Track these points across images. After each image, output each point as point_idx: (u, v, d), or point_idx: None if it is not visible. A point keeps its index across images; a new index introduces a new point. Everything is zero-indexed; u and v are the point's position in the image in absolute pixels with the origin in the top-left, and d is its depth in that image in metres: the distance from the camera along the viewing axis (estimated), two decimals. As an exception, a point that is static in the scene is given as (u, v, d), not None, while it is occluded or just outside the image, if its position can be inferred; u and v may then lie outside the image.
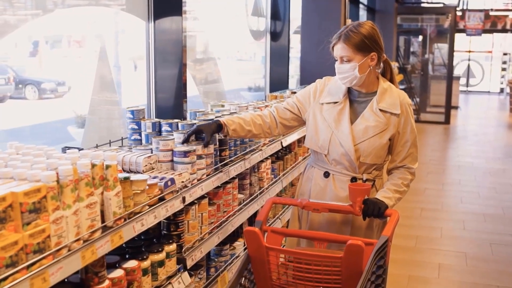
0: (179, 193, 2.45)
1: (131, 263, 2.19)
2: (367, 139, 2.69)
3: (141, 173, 2.42)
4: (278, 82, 6.42)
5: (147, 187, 2.21)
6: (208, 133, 2.70)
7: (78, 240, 1.80)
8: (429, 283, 4.72)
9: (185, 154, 2.60)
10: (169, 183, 2.38)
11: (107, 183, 1.97)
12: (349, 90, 2.81)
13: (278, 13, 6.39)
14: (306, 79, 7.18)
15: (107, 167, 1.97)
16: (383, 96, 2.74)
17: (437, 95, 15.23)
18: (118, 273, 2.10)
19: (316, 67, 7.02)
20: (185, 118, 3.72)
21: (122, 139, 3.08)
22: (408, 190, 2.83)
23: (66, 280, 1.98)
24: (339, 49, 2.68)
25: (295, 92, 5.17)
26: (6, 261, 1.51)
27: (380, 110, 2.71)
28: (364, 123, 2.71)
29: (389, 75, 2.87)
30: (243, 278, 2.58)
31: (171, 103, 3.84)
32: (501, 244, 5.61)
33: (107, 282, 2.01)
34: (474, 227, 6.17)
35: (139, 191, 2.16)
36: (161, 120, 3.02)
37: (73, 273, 1.77)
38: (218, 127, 2.77)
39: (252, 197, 3.49)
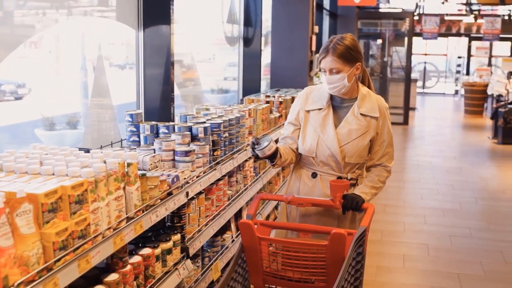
0: (183, 189, 2.74)
1: (146, 250, 2.47)
2: (351, 141, 2.98)
3: (148, 171, 2.69)
4: (250, 86, 6.72)
5: (159, 183, 2.50)
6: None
7: (109, 228, 2.08)
8: (395, 272, 5.10)
9: (186, 153, 2.88)
10: (175, 179, 2.67)
11: (129, 179, 2.25)
12: (332, 97, 3.09)
13: (250, 20, 6.69)
14: (276, 83, 7.52)
15: (129, 164, 2.25)
16: (363, 101, 3.03)
17: (395, 97, 15.78)
18: (136, 259, 2.38)
19: (286, 71, 7.38)
20: (173, 121, 3.99)
21: (121, 140, 3.33)
22: (384, 186, 3.16)
23: (91, 265, 2.24)
24: (329, 62, 2.91)
25: (268, 96, 5.49)
26: (59, 244, 1.77)
27: (361, 114, 3.01)
28: (348, 127, 3.00)
29: (367, 82, 3.17)
30: (237, 266, 2.86)
31: (160, 107, 4.10)
32: (459, 236, 6.05)
33: (129, 267, 2.29)
34: (434, 221, 6.61)
35: (153, 186, 2.44)
36: (158, 123, 3.29)
37: (106, 257, 2.04)
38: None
39: (239, 193, 3.79)
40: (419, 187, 8.24)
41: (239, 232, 3.81)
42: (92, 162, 2.10)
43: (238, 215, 3.90)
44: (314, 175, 3.07)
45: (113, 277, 2.18)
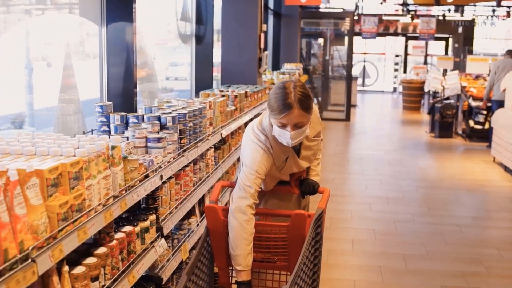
0: (157, 172, 2.95)
1: (128, 228, 2.67)
2: (314, 159, 3.17)
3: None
4: (203, 83, 6.93)
5: (138, 165, 2.70)
6: None
7: (99, 204, 2.27)
8: (346, 254, 5.44)
9: (159, 140, 3.09)
10: (150, 163, 2.88)
11: (114, 161, 2.45)
12: None
13: (202, 18, 6.91)
14: (226, 79, 7.76)
15: (113, 147, 2.45)
16: (310, 125, 3.01)
17: (337, 94, 16.33)
18: (120, 235, 2.58)
19: (236, 68, 7.64)
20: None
21: (92, 130, 3.49)
22: None
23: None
24: (296, 117, 2.71)
25: (222, 91, 5.72)
26: (62, 216, 1.96)
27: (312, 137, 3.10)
28: (309, 151, 3.08)
29: None
30: (203, 249, 3.03)
31: (123, 100, 4.27)
32: (402, 221, 6.47)
33: (115, 241, 2.48)
34: (379, 209, 7.01)
35: (133, 168, 2.64)
36: (128, 113, 3.47)
37: (99, 229, 2.24)
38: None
39: (202, 180, 4.01)
40: (364, 178, 8.66)
41: (202, 217, 4.05)
42: (82, 144, 2.29)
43: (201, 201, 4.12)
44: (278, 183, 3.18)
45: (102, 250, 2.38)
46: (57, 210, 1.94)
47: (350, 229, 6.21)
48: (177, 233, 3.58)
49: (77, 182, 2.08)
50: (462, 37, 21.74)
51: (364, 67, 25.01)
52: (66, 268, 2.04)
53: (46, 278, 1.96)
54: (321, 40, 17.06)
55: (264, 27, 8.03)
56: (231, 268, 3.10)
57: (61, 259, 1.95)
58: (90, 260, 2.27)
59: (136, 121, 3.41)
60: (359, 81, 23.02)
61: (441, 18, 20.00)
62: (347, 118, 15.19)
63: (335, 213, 6.67)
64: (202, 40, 6.95)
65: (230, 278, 3.13)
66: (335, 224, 6.30)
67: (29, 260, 1.74)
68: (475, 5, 20.28)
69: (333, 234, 5.96)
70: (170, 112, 3.59)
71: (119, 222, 2.75)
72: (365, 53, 24.91)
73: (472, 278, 4.89)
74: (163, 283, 3.11)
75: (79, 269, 2.17)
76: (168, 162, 3.19)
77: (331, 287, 4.64)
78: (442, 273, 4.98)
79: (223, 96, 5.23)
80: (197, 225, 3.91)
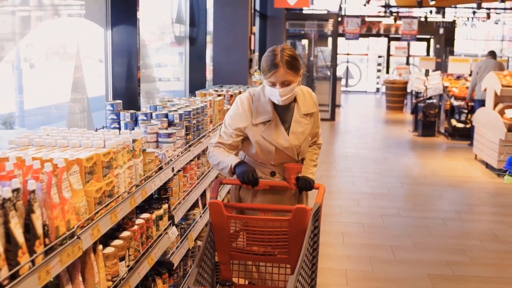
0: (170, 165, 3.19)
1: (145, 215, 2.91)
2: (303, 140, 3.32)
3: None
4: (196, 84, 7.16)
5: (154, 157, 2.94)
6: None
7: (125, 191, 2.51)
8: (337, 246, 5.72)
9: (169, 135, 3.33)
10: (163, 156, 3.11)
11: (135, 153, 2.68)
12: (274, 104, 3.20)
13: (195, 21, 7.14)
14: (218, 80, 8.01)
15: (134, 140, 2.68)
16: (302, 101, 3.25)
17: (321, 95, 16.57)
18: (140, 221, 2.81)
19: (228, 69, 7.89)
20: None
21: (103, 127, 3.71)
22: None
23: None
24: (282, 75, 3.01)
25: (217, 90, 5.97)
26: (97, 200, 2.20)
27: (304, 114, 3.32)
28: (297, 129, 3.24)
29: None
30: (208, 243, 3.14)
31: (127, 99, 4.49)
32: (389, 215, 6.76)
33: (136, 226, 2.72)
34: (367, 204, 7.30)
35: (150, 161, 2.88)
36: (137, 111, 3.70)
37: (126, 214, 2.47)
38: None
39: (204, 174, 4.25)
40: (350, 175, 8.95)
41: (205, 209, 4.29)
42: (108, 137, 2.52)
43: (203, 194, 4.36)
44: (272, 173, 3.36)
45: (126, 233, 2.61)
46: (94, 194, 2.17)
47: (340, 223, 6.49)
48: (183, 223, 3.82)
49: (108, 170, 2.32)
50: (443, 38, 22.17)
51: (347, 67, 25.37)
52: (100, 247, 2.28)
53: (82, 257, 2.19)
54: (305, 41, 17.35)
55: (254, 29, 8.29)
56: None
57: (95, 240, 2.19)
58: (117, 242, 2.50)
59: (145, 118, 3.63)
60: (343, 81, 23.35)
61: (423, 19, 20.40)
62: (332, 118, 15.51)
63: (324, 208, 6.82)
64: (195, 42, 7.19)
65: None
66: (325, 218, 6.55)
67: (75, 237, 1.98)
68: (456, 7, 20.74)
69: (324, 227, 6.21)
70: (176, 110, 3.82)
71: (136, 210, 2.97)
72: (348, 54, 25.27)
73: (457, 267, 5.18)
74: (174, 268, 3.35)
75: (109, 249, 2.41)
76: (177, 156, 3.43)
77: (325, 275, 4.90)
78: (428, 263, 5.27)
79: (219, 95, 5.48)
80: (200, 216, 4.15)
